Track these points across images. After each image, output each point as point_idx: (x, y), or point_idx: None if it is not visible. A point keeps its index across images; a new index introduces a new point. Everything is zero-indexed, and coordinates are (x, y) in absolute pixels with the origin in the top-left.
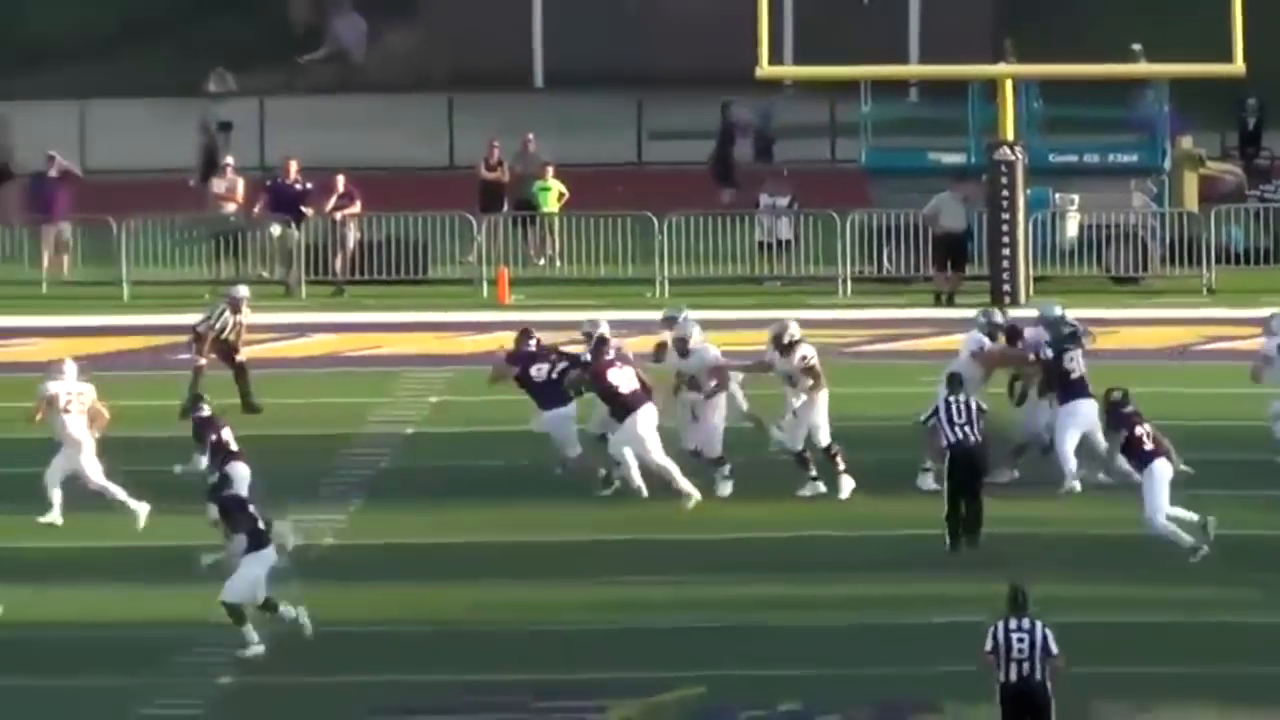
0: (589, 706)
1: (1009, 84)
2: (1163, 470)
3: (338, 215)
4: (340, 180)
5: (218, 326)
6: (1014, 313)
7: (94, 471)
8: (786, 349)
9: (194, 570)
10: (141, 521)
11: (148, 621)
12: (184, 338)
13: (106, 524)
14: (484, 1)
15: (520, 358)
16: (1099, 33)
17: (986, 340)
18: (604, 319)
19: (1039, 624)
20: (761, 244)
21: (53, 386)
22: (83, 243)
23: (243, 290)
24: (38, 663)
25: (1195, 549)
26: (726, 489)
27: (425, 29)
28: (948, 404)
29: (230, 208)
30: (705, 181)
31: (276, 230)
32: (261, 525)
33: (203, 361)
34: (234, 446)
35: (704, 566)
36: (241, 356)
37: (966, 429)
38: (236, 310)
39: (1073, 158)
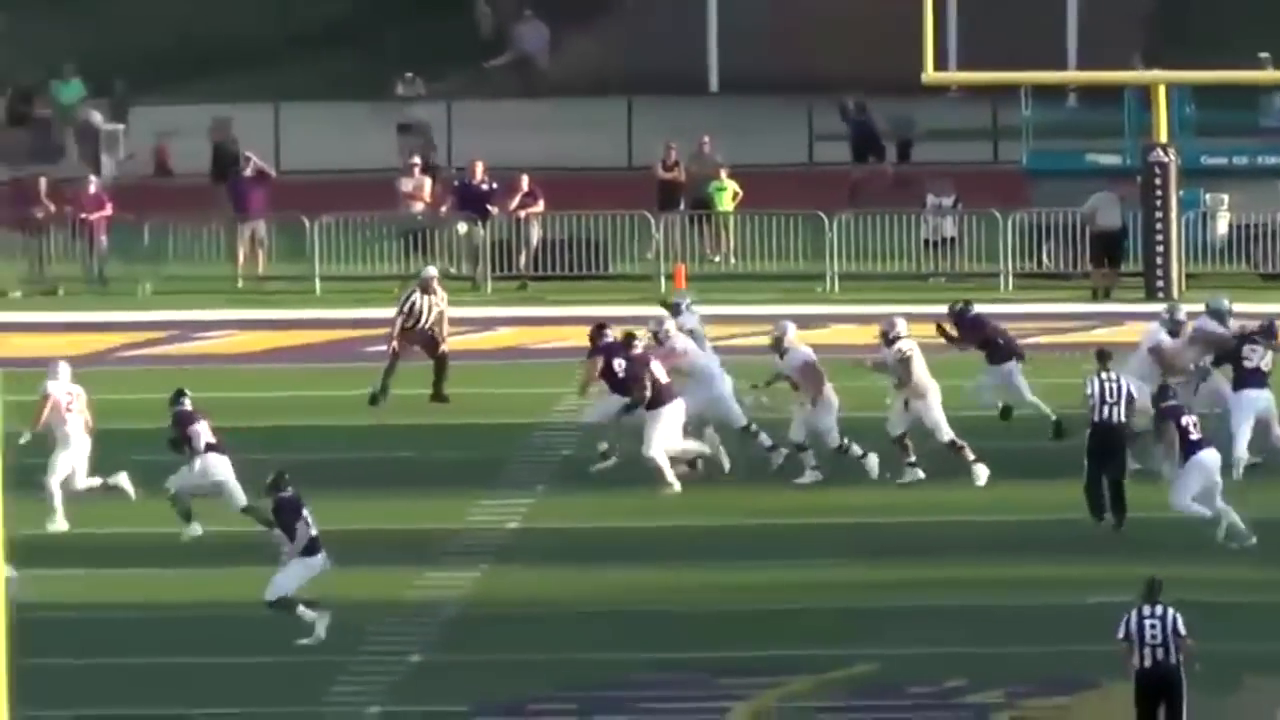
0: (768, 683)
1: (1162, 89)
2: (1208, 459)
3: (522, 213)
4: (524, 180)
5: (406, 309)
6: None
7: (82, 474)
8: (890, 343)
9: (376, 552)
10: (133, 495)
11: (338, 602)
12: (374, 331)
13: (333, 509)
14: (661, 9)
15: (601, 350)
16: (1245, 40)
17: (1165, 337)
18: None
19: (1170, 609)
20: (927, 241)
21: (52, 387)
22: (276, 240)
23: (431, 270)
24: (233, 641)
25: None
26: (810, 478)
27: (605, 35)
28: (1101, 381)
29: (418, 206)
30: (873, 181)
31: (463, 228)
32: (315, 533)
33: (390, 348)
34: (212, 439)
35: (872, 550)
36: (445, 347)
37: (1115, 408)
38: (426, 290)
39: (1223, 160)
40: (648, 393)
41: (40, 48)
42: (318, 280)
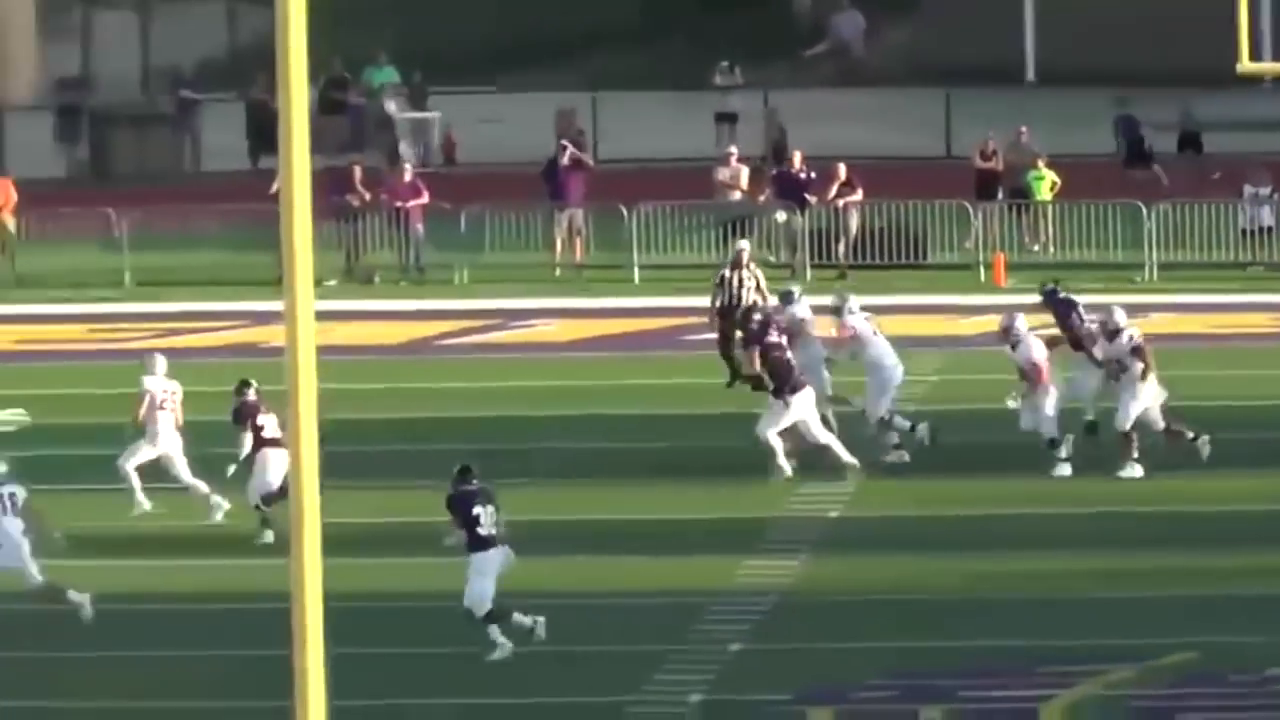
0: (1088, 671)
1: None
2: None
3: (840, 202)
4: (842, 169)
5: (717, 284)
6: None
7: (184, 467)
8: (1113, 335)
9: (697, 541)
10: (219, 515)
11: (662, 590)
12: (692, 319)
13: (655, 498)
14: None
15: (756, 337)
16: None
17: None
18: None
19: None
20: (1245, 231)
21: (148, 383)
22: (594, 228)
23: (742, 243)
24: (554, 630)
25: None
26: (1064, 470)
27: (922, 25)
28: None
29: (736, 195)
30: (1194, 171)
31: (782, 216)
32: (485, 530)
33: (715, 328)
34: (278, 434)
35: (1187, 539)
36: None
37: None
38: (737, 265)
39: None
40: (775, 375)
41: (353, 35)
42: (636, 269)
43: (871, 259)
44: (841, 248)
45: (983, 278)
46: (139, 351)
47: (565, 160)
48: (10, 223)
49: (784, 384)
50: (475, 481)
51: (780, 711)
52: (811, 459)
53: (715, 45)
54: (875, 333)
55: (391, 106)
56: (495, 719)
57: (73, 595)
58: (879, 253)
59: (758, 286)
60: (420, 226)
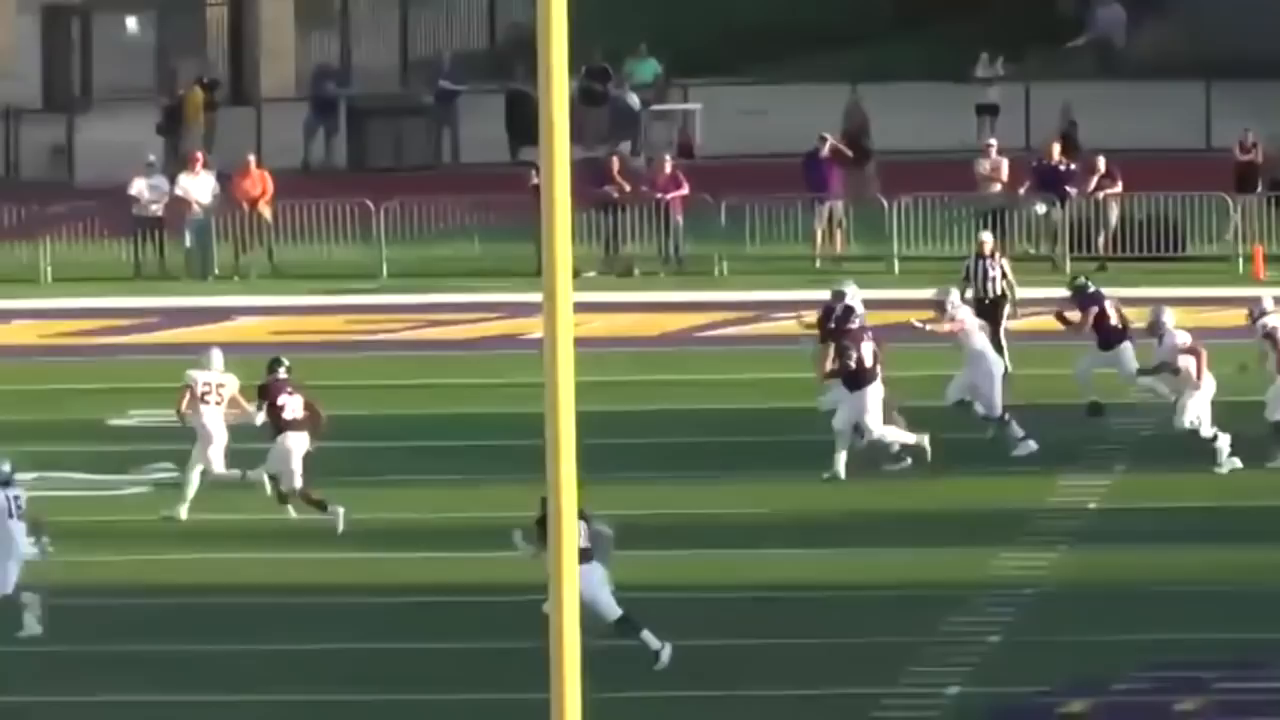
0: None
1: None
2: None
3: (1099, 195)
4: (1101, 161)
5: (965, 275)
6: None
7: (219, 463)
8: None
9: (955, 533)
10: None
11: (920, 583)
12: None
13: (918, 491)
14: None
15: (832, 333)
16: None
17: None
18: (853, 288)
19: None
20: None
21: (196, 375)
22: (854, 220)
23: (985, 234)
24: (820, 622)
25: None
26: (1229, 464)
27: (1181, 17)
28: None
29: (996, 187)
30: None
31: (1041, 209)
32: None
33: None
34: (300, 415)
35: None
36: (1005, 321)
37: None
38: (981, 256)
39: None
40: (849, 365)
41: (613, 26)
42: (896, 260)
43: (1130, 251)
44: (1101, 240)
45: (1241, 270)
46: (396, 344)
47: (825, 152)
48: (267, 214)
49: (853, 379)
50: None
51: (1038, 704)
52: (1055, 453)
53: (975, 37)
54: (982, 327)
55: (643, 99)
56: (754, 708)
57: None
58: (1138, 245)
59: (1004, 276)
60: (680, 218)
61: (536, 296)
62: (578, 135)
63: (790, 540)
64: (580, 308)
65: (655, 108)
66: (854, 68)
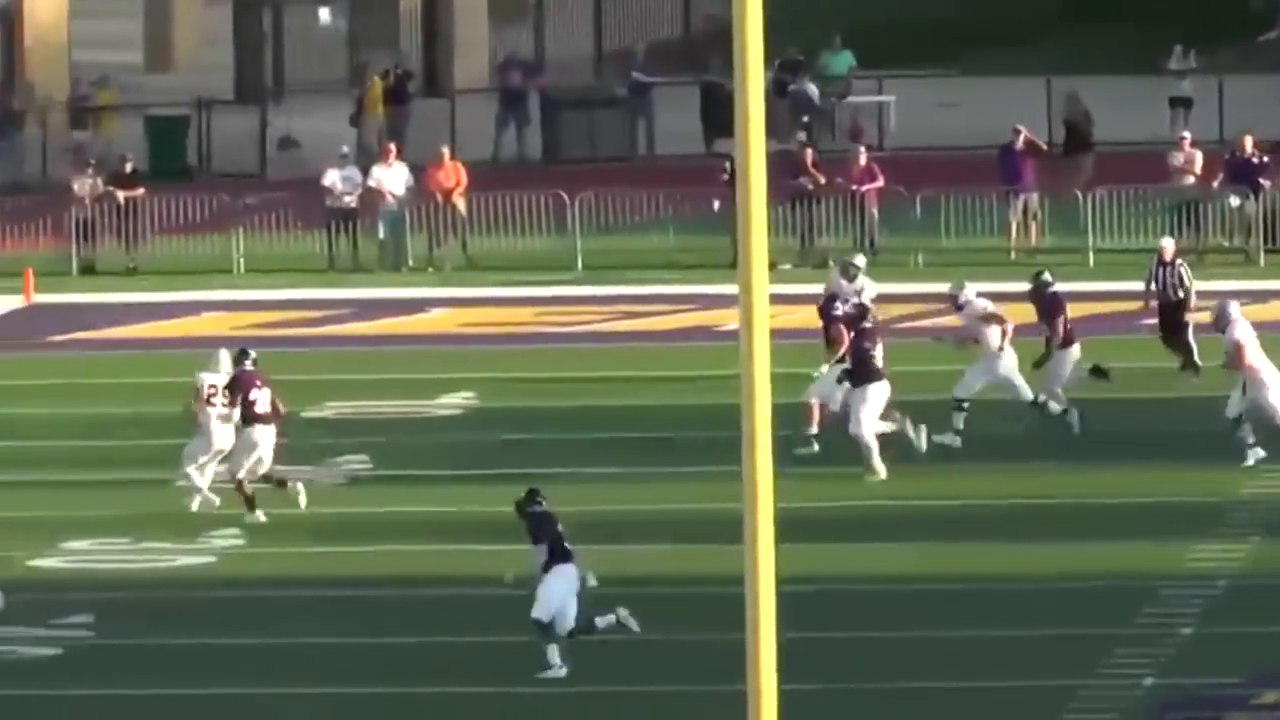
0: None
1: None
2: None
3: None
4: None
5: (1149, 276)
6: None
7: (210, 467)
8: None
9: (1151, 525)
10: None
11: (1114, 573)
12: (1130, 305)
13: (1114, 481)
14: None
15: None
16: None
17: None
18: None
19: None
20: None
21: (203, 377)
22: (1049, 212)
23: (1165, 240)
24: (1011, 615)
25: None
26: (1255, 455)
27: None
28: None
29: (1189, 180)
30: None
31: (1235, 201)
32: (566, 542)
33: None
34: (269, 409)
35: None
36: (1190, 315)
37: None
38: (1162, 262)
39: None
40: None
41: (807, 19)
42: (1091, 253)
43: None
44: None
45: None
46: (590, 335)
47: (1020, 145)
48: (461, 205)
49: (862, 374)
50: (540, 504)
51: (1232, 695)
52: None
53: (1167, 30)
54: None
55: (835, 92)
56: (953, 700)
57: None
58: None
59: (1183, 281)
60: (875, 210)
61: (732, 288)
62: (772, 128)
63: (978, 533)
64: (775, 300)
65: (850, 99)
66: (1048, 59)
